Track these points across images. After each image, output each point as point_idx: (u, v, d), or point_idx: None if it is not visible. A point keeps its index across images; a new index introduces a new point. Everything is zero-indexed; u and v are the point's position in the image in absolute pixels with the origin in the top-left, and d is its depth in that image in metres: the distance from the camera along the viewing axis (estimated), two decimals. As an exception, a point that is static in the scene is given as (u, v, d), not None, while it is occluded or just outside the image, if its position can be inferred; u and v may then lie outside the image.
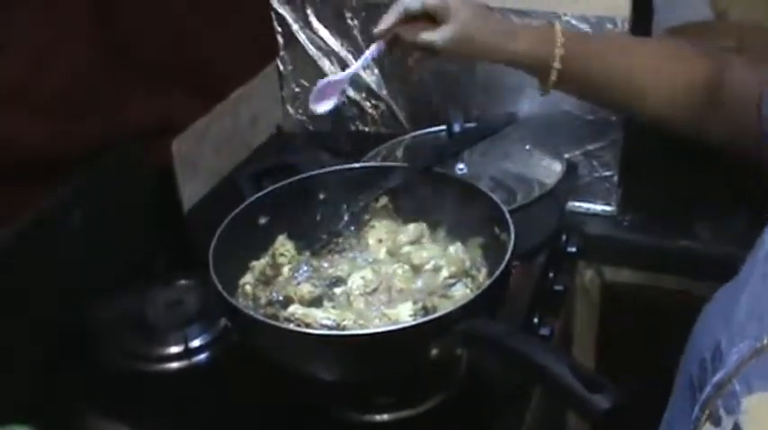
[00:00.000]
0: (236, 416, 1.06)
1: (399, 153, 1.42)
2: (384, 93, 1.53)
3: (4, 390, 1.06)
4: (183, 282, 1.22)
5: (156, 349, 1.13)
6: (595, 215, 1.46)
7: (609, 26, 1.34)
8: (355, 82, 1.53)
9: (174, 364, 1.12)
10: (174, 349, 1.13)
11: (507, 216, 1.04)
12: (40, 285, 1.12)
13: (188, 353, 1.12)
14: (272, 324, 0.93)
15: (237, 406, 1.07)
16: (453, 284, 1.04)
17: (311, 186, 1.15)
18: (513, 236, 1.00)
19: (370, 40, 1.48)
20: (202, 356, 1.13)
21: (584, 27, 1.35)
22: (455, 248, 1.10)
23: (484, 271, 1.07)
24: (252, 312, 0.97)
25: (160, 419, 1.07)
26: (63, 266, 1.16)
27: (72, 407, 1.09)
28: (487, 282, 0.96)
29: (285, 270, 1.08)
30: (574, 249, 1.35)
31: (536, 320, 1.18)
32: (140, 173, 1.30)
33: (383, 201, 1.15)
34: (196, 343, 1.13)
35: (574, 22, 1.35)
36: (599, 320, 1.52)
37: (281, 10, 1.52)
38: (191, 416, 1.07)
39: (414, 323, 0.93)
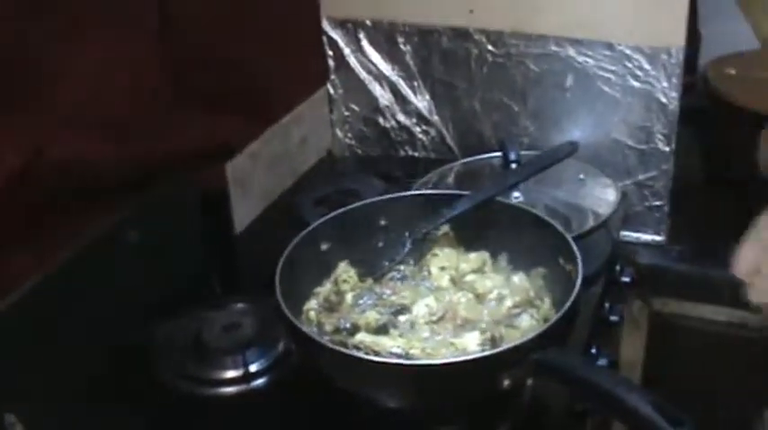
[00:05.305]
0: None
1: (450, 179, 1.42)
2: (435, 118, 1.53)
3: (61, 411, 1.06)
4: (239, 305, 1.22)
5: (215, 372, 1.13)
6: (645, 245, 1.46)
7: (664, 56, 1.34)
8: (406, 107, 1.53)
9: (233, 388, 1.12)
10: (233, 373, 1.12)
11: (573, 246, 1.04)
12: (97, 305, 1.12)
13: (247, 377, 1.12)
14: (347, 353, 0.93)
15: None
16: (519, 314, 1.04)
17: (373, 213, 1.15)
18: (580, 266, 1.00)
19: (421, 64, 1.50)
20: (261, 381, 1.12)
21: (639, 57, 1.35)
22: (518, 278, 1.09)
23: (548, 301, 1.06)
24: (324, 341, 0.97)
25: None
26: (119, 286, 1.16)
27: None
28: (561, 312, 0.95)
29: (348, 297, 1.08)
30: (628, 279, 1.34)
31: (594, 351, 1.17)
32: (194, 195, 1.30)
33: (444, 229, 1.15)
34: (255, 367, 1.13)
35: (628, 52, 1.36)
36: (646, 351, 1.51)
37: (332, 34, 1.53)
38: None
39: (488, 353, 0.93)
